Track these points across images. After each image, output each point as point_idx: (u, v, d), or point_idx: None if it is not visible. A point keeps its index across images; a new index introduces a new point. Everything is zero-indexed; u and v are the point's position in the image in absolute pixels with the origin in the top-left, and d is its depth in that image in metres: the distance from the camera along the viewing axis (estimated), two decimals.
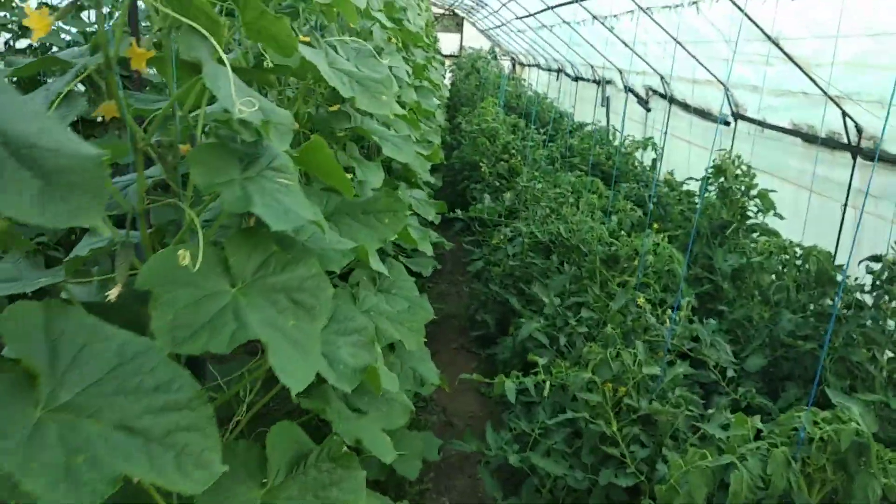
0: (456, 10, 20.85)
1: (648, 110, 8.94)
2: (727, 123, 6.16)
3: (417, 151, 3.33)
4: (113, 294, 0.90)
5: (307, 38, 1.89)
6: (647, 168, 6.77)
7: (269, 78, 1.47)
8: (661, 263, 3.00)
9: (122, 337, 0.70)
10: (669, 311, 2.83)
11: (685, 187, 5.54)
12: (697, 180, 4.24)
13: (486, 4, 14.77)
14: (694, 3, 4.31)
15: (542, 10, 10.32)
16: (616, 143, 8.01)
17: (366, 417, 1.76)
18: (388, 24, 2.91)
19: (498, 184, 5.35)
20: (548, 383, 2.20)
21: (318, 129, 1.91)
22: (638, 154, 7.19)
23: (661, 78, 7.99)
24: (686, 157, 7.23)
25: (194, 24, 0.89)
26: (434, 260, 4.84)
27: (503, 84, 9.08)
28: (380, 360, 1.55)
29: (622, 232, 3.30)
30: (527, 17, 12.21)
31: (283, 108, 1.80)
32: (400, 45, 4.19)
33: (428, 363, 2.37)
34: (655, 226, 3.18)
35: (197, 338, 0.76)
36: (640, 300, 2.69)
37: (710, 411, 2.28)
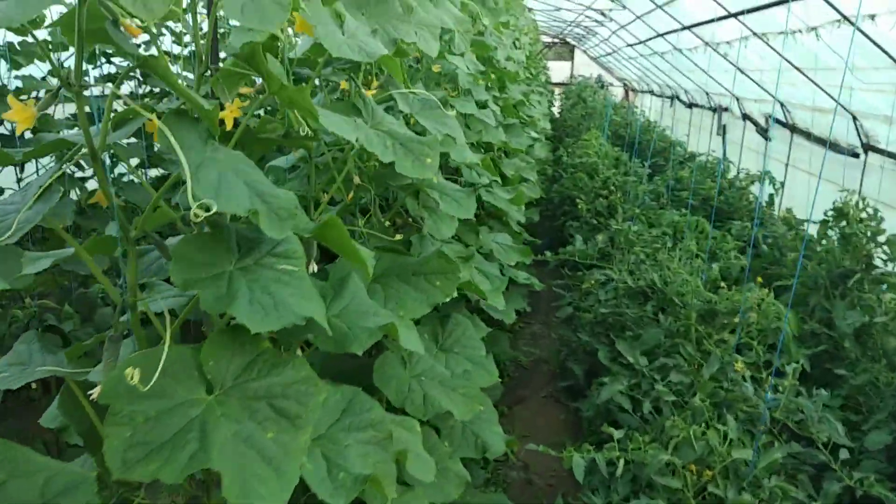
0: (567, 39, 20.68)
1: (768, 139, 8.33)
2: (856, 155, 5.60)
3: (499, 196, 3.23)
4: (95, 394, 0.85)
5: (372, 91, 1.85)
6: (764, 204, 6.28)
7: (307, 143, 1.43)
8: (765, 321, 2.69)
9: (51, 469, 0.64)
10: (772, 378, 2.53)
11: (808, 226, 5.06)
12: (816, 223, 3.83)
13: (597, 33, 14.52)
14: (813, 29, 3.94)
15: (652, 38, 9.98)
16: (730, 175, 7.51)
17: (412, 492, 1.66)
18: (470, 68, 2.85)
19: (595, 222, 5.12)
20: (621, 461, 2.00)
21: (375, 183, 1.85)
22: (755, 188, 6.69)
23: (782, 105, 7.44)
24: (808, 191, 6.64)
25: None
26: (524, 300, 4.69)
27: (608, 114, 8.81)
28: (417, 443, 1.44)
29: (722, 283, 3.01)
30: (637, 44, 11.86)
31: (337, 165, 1.76)
32: (491, 83, 4.12)
33: (493, 426, 2.22)
34: (759, 279, 2.86)
35: (149, 461, 0.69)
36: (738, 365, 2.41)
37: None
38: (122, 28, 0.82)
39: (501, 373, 4.62)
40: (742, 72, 7.37)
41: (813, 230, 4.68)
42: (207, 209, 0.80)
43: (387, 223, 2.09)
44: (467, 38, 3.26)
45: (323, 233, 1.06)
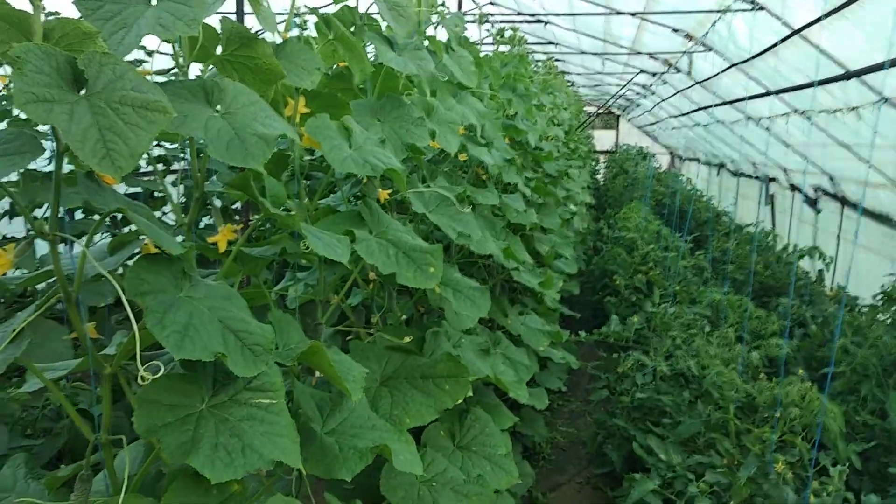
0: (611, 109, 20.90)
1: (818, 212, 8.11)
2: None
3: (528, 279, 3.20)
4: None
5: (385, 192, 1.89)
6: (812, 280, 6.06)
7: (309, 257, 1.45)
8: (808, 417, 2.55)
9: None
10: (814, 478, 2.37)
11: (862, 301, 4.83)
12: (864, 307, 3.66)
13: (640, 104, 14.63)
14: (853, 109, 3.87)
15: (694, 111, 9.99)
16: (778, 247, 7.30)
17: None
18: (497, 157, 2.88)
19: (633, 298, 5.02)
20: None
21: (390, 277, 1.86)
22: (804, 262, 6.48)
23: (831, 178, 7.26)
24: (860, 266, 6.39)
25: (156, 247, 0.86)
26: (561, 380, 4.57)
27: (650, 185, 8.76)
28: None
29: (762, 373, 2.87)
30: (680, 115, 11.88)
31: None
32: (524, 163, 4.16)
33: None
34: (801, 371, 2.72)
35: None
36: (779, 465, 2.27)
37: None
38: (96, 179, 0.86)
39: (536, 455, 4.50)
40: (786, 145, 7.26)
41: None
42: (157, 370, 0.81)
43: (402, 316, 2.08)
44: (497, 124, 3.32)
45: (307, 358, 1.06)
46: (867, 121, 3.96)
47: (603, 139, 20.97)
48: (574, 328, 4.47)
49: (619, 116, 21.68)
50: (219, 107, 1.06)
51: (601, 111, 20.85)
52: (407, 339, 1.70)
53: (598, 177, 16.23)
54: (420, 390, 1.62)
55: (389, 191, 1.89)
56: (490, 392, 2.88)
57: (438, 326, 2.36)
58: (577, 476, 4.09)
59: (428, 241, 2.60)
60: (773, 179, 10.02)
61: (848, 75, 3.73)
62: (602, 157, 18.56)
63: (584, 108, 15.78)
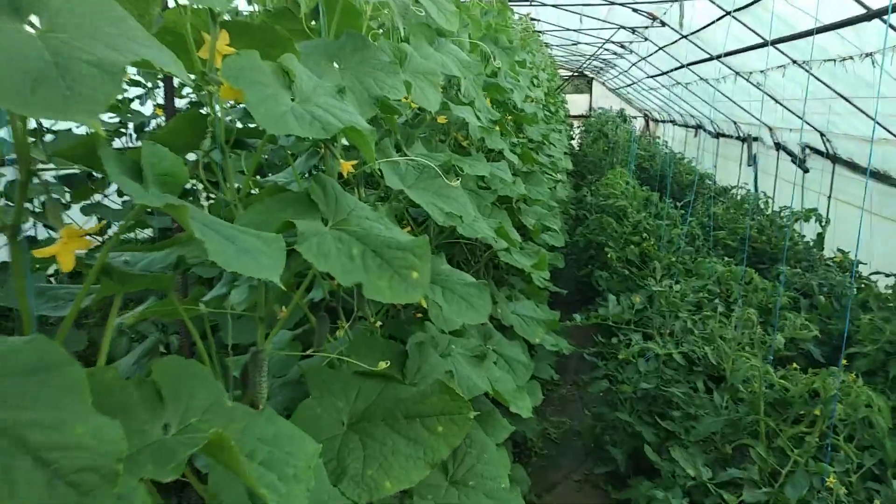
0: (584, 72, 20.43)
1: (806, 171, 7.80)
2: None
3: (520, 261, 2.77)
4: None
5: (349, 164, 1.42)
6: (810, 244, 5.74)
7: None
8: (853, 412, 2.18)
9: None
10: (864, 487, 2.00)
11: (869, 272, 4.51)
12: (888, 275, 3.31)
13: (615, 65, 14.18)
14: (868, 55, 3.48)
15: (676, 68, 9.57)
16: (768, 211, 6.98)
17: None
18: (482, 118, 2.42)
19: (627, 272, 4.62)
20: None
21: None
22: (797, 226, 6.15)
23: (822, 135, 6.93)
24: (856, 227, 6.09)
25: None
26: (552, 367, 4.19)
27: (633, 149, 8.35)
28: None
29: (793, 364, 2.49)
30: (659, 75, 11.46)
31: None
32: (509, 128, 3.70)
33: None
34: (844, 361, 2.35)
35: None
36: (831, 480, 1.90)
37: None
38: None
39: (528, 451, 4.12)
40: (778, 102, 6.89)
41: (864, 269, 4.14)
42: None
43: (377, 323, 1.64)
44: (479, 80, 2.85)
45: (209, 452, 0.61)
46: (887, 69, 3.58)
47: (576, 103, 20.52)
48: (561, 306, 4.05)
49: (592, 80, 21.23)
50: (36, 18, 0.60)
51: (576, 73, 20.38)
52: (383, 366, 1.26)
53: (574, 142, 15.81)
54: (404, 436, 1.18)
55: (355, 162, 1.42)
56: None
57: (422, 328, 1.92)
58: (574, 473, 3.72)
59: (401, 224, 2.15)
60: (756, 139, 9.70)
61: (869, 15, 3.32)
62: (576, 122, 18.12)
63: (558, 72, 15.27)
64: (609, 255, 4.67)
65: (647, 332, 3.56)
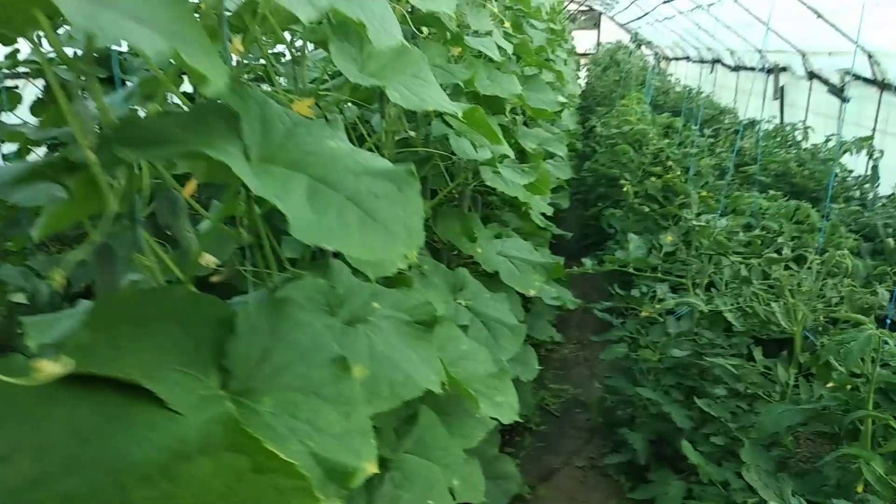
0: (592, 6, 19.15)
1: (845, 100, 6.87)
2: None
3: (511, 181, 1.94)
4: None
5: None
6: (861, 180, 4.88)
7: None
8: None
9: None
10: None
11: None
12: None
13: None
14: None
15: None
16: (805, 145, 6.10)
17: None
18: None
19: (647, 209, 3.78)
20: None
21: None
22: (843, 160, 5.27)
23: (870, 57, 5.98)
24: None
25: None
26: (552, 326, 3.40)
27: (649, 77, 7.38)
28: None
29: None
30: None
31: None
32: (503, 19, 2.79)
33: None
34: None
35: None
36: None
37: None
38: None
39: (521, 430, 3.38)
40: (820, 16, 5.92)
41: None
42: None
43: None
44: None
45: None
46: None
47: (583, 39, 19.30)
48: (563, 253, 3.21)
49: (600, 14, 19.96)
50: None
51: (582, 7, 19.10)
52: None
53: (580, 82, 14.75)
54: None
55: None
56: None
57: (323, 272, 1.10)
58: (577, 457, 2.96)
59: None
60: (783, 69, 8.74)
61: None
62: (583, 60, 16.98)
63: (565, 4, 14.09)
64: (625, 189, 3.81)
65: (675, 283, 2.75)
